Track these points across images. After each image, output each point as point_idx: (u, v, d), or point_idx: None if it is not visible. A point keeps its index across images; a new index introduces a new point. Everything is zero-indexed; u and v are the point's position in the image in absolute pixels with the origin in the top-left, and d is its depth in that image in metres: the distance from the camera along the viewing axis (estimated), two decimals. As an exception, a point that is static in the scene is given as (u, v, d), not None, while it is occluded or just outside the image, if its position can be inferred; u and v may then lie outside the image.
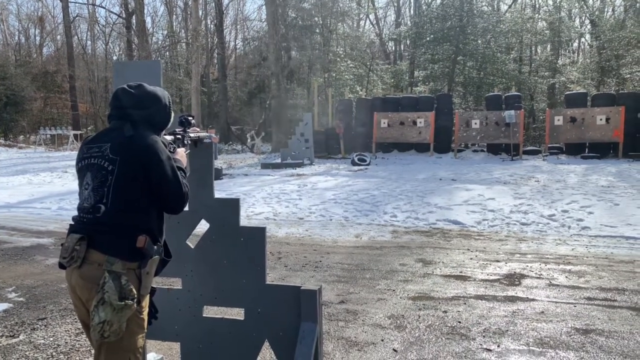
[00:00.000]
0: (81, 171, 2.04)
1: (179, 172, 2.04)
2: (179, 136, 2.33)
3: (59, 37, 39.88)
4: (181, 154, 2.25)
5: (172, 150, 2.15)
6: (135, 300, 1.89)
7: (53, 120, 33.37)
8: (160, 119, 2.12)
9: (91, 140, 2.07)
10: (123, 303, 1.84)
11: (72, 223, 2.02)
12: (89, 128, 35.37)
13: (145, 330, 2.06)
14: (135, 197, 1.95)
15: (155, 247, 1.99)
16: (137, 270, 1.94)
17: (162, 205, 2.04)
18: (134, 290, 1.89)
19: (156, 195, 1.99)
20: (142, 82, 2.13)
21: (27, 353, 3.39)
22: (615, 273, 5.04)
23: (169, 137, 2.24)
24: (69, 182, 12.94)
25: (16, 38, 40.55)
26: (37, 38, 41.39)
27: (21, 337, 3.65)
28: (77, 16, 36.84)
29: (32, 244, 6.67)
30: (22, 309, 4.24)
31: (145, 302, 2.03)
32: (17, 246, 6.54)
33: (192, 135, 2.46)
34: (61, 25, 36.67)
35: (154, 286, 2.21)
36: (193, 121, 2.48)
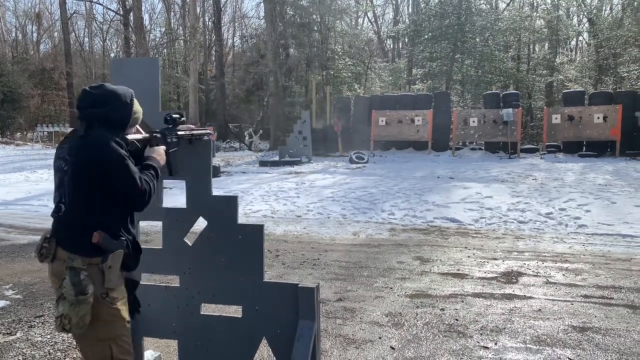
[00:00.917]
0: (54, 171, 2.13)
1: (135, 170, 2.04)
2: (158, 135, 2.32)
3: (56, 33, 39.79)
4: (158, 152, 2.26)
5: (131, 149, 2.13)
6: (89, 294, 1.95)
7: (50, 118, 33.32)
8: (118, 117, 2.11)
9: (62, 141, 2.15)
10: (76, 298, 1.93)
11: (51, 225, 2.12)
12: (87, 125, 35.20)
13: (127, 319, 2.12)
14: (89, 196, 2.00)
15: (117, 241, 2.04)
16: (101, 265, 2.01)
17: (122, 202, 2.07)
18: (90, 286, 1.96)
19: (111, 193, 2.03)
20: (105, 83, 2.17)
21: (24, 350, 3.38)
22: (612, 271, 5.05)
23: (137, 136, 2.24)
24: (67, 180, 12.91)
25: (13, 34, 40.43)
26: (34, 35, 41.29)
27: (18, 335, 3.64)
28: (74, 13, 36.76)
29: (29, 241, 6.65)
30: (19, 306, 4.23)
31: (119, 294, 2.09)
32: (14, 243, 6.52)
33: (180, 133, 2.43)
34: (58, 22, 36.56)
35: (137, 280, 2.31)
36: (182, 119, 2.45)
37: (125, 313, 2.11)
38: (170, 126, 2.40)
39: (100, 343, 2.04)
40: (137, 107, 2.21)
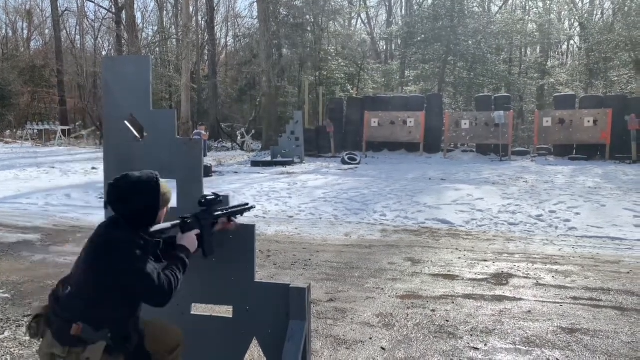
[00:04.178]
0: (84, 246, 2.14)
1: (151, 270, 2.01)
2: (189, 220, 2.28)
3: (47, 31, 39.48)
4: (189, 239, 2.24)
5: (159, 239, 2.12)
6: None
7: (40, 115, 33.01)
8: (146, 209, 2.10)
9: (104, 222, 2.17)
10: None
11: (51, 292, 2.10)
12: (77, 123, 35.05)
13: None
14: (94, 290, 1.99)
15: (99, 332, 2.00)
16: (80, 355, 1.99)
17: (137, 300, 2.08)
18: None
19: (120, 290, 2.01)
20: (129, 173, 2.13)
21: (12, 350, 3.35)
22: (601, 273, 5.10)
23: (165, 225, 2.20)
24: (56, 178, 12.81)
25: (3, 31, 40.05)
26: (25, 32, 40.94)
27: (6, 334, 3.61)
28: (65, 10, 36.48)
29: (18, 239, 6.59)
30: (7, 305, 4.19)
31: None
32: (2, 242, 6.45)
33: (217, 214, 2.37)
34: (49, 19, 36.27)
35: None
36: (219, 199, 2.38)
37: None
38: (205, 208, 2.35)
39: None
40: (164, 188, 2.17)
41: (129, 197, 2.07)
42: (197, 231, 2.30)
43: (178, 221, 2.27)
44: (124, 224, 2.06)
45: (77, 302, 1.99)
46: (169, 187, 2.23)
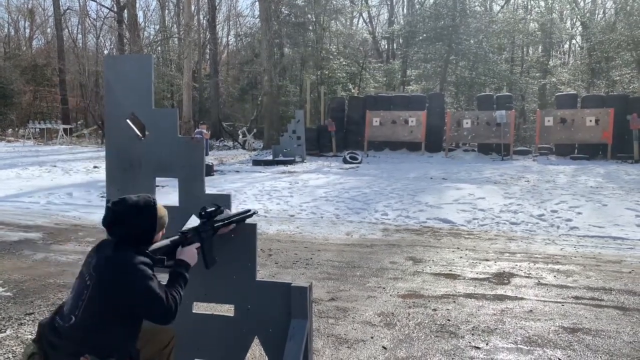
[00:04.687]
0: (79, 274, 2.09)
1: (160, 291, 2.01)
2: (189, 235, 2.28)
3: (49, 30, 39.55)
4: (189, 253, 2.24)
5: (159, 254, 2.11)
6: None
7: (42, 114, 33.08)
8: (143, 232, 2.10)
9: (97, 246, 2.12)
10: None
11: (44, 323, 2.06)
12: (79, 122, 35.12)
13: None
14: (100, 318, 1.96)
15: None
16: None
17: (146, 319, 2.07)
18: None
19: (132, 313, 2.00)
20: (126, 196, 2.11)
21: (14, 348, 3.36)
22: (603, 273, 5.09)
23: (164, 243, 2.19)
24: (58, 177, 12.83)
25: (5, 30, 40.11)
26: (27, 31, 41.03)
27: (8, 332, 3.61)
28: (67, 9, 36.53)
29: (20, 238, 6.60)
30: (9, 303, 4.20)
31: None
32: (4, 240, 6.46)
33: (217, 224, 2.37)
34: (51, 18, 36.36)
35: None
36: (221, 208, 2.37)
37: None
38: (206, 220, 2.34)
39: None
40: (161, 211, 2.17)
41: (126, 220, 2.05)
42: (197, 245, 2.29)
43: (177, 237, 2.26)
44: (126, 246, 2.04)
45: (81, 332, 1.95)
46: (165, 211, 2.22)
